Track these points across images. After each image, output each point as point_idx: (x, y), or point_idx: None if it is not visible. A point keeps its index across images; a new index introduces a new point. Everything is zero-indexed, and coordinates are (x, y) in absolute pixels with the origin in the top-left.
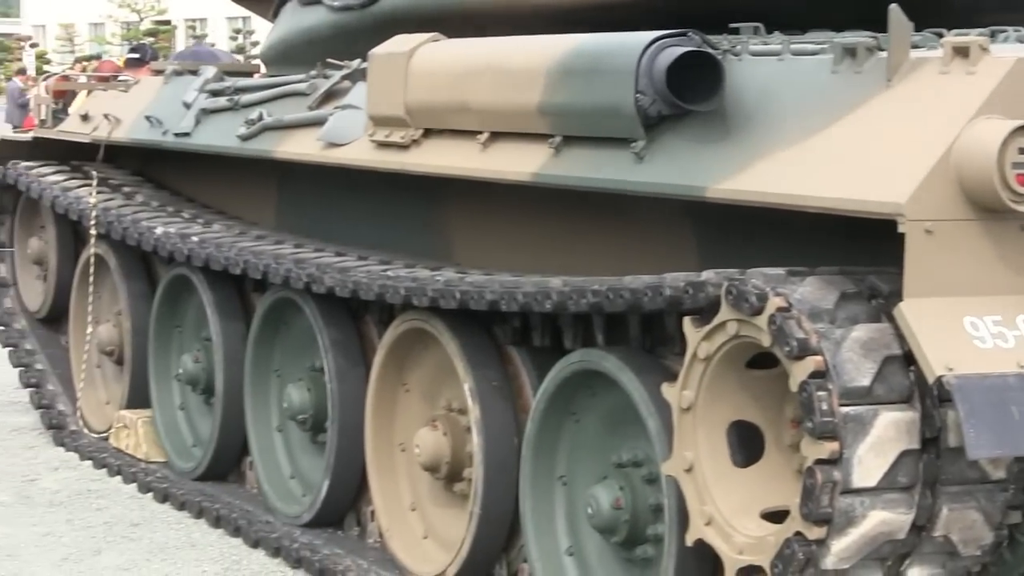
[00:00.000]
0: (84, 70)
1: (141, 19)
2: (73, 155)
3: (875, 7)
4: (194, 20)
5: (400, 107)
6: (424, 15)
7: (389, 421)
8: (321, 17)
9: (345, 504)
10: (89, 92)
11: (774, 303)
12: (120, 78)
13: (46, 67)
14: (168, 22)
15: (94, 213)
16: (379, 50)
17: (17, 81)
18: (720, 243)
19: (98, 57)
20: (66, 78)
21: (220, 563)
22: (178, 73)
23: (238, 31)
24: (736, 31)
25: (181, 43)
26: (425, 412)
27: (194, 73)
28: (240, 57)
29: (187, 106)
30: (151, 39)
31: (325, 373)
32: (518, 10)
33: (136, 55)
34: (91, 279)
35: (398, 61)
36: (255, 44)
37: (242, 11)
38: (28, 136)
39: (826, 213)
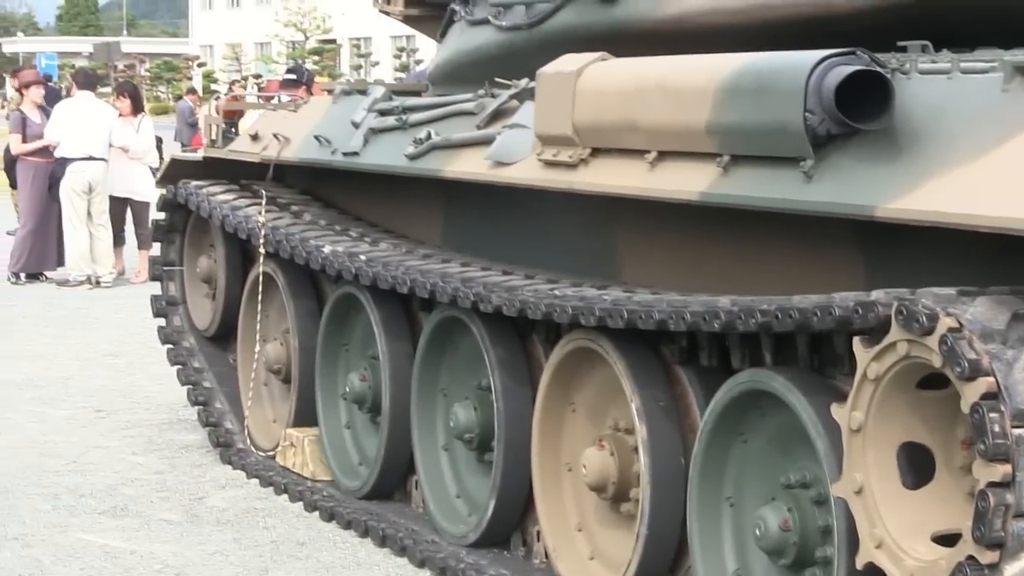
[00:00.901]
0: (243, 88)
1: (307, 38)
2: (242, 174)
3: None
4: (358, 39)
5: (568, 126)
6: (592, 34)
7: (555, 441)
8: (489, 37)
9: (511, 524)
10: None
11: (945, 323)
12: (277, 98)
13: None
14: (333, 41)
15: (263, 232)
16: (547, 69)
17: (187, 101)
18: (888, 262)
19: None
20: (236, 98)
21: None
22: (347, 93)
23: (402, 50)
24: (904, 49)
25: (346, 62)
26: (591, 432)
27: (363, 93)
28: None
29: (356, 125)
30: (315, 58)
31: (492, 392)
32: (686, 30)
33: (292, 76)
34: (259, 298)
35: (566, 80)
36: (419, 63)
37: (406, 30)
38: (198, 155)
39: (997, 233)
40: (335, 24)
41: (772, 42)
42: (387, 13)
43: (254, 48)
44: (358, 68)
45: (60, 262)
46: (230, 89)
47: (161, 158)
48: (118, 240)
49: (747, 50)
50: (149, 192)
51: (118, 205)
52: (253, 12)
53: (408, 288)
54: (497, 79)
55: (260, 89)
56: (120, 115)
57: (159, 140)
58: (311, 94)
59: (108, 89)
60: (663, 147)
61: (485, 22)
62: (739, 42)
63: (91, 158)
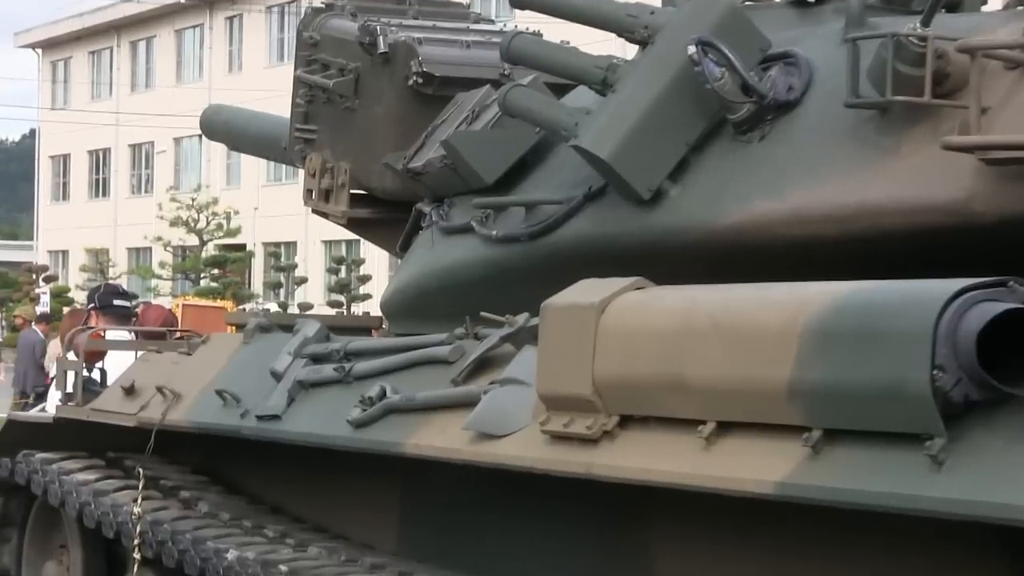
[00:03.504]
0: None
1: (203, 242)
2: (111, 444)
3: None
4: (278, 244)
5: (587, 383)
6: (621, 249)
7: None
8: (472, 251)
9: None
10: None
11: None
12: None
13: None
14: (242, 247)
15: (139, 528)
16: (557, 300)
17: (37, 331)
18: None
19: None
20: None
21: None
22: (264, 329)
23: (340, 262)
24: None
25: (259, 278)
26: None
27: (287, 329)
28: (342, 300)
29: (277, 377)
30: (215, 271)
31: None
32: (756, 245)
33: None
34: None
35: (585, 317)
36: (364, 279)
37: (344, 233)
38: (47, 415)
39: None
40: (245, 222)
41: (880, 266)
42: (323, 214)
43: (127, 256)
44: (277, 288)
45: None
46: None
47: None
48: None
49: (843, 276)
50: None
51: None
52: (127, 204)
53: None
54: (483, 313)
55: (135, 319)
56: None
57: None
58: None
59: None
60: (724, 416)
61: (466, 230)
62: (831, 264)
63: None
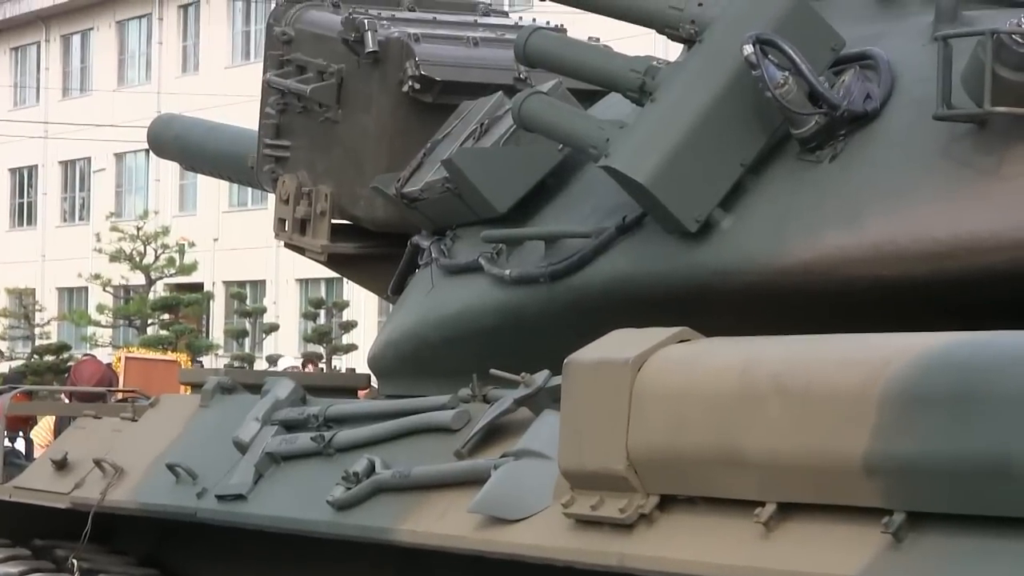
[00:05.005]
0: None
1: (152, 281)
2: (39, 529)
3: None
4: (242, 284)
5: (619, 457)
6: (661, 293)
7: None
8: (480, 294)
9: None
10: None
11: None
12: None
13: None
14: (200, 286)
15: None
16: (584, 355)
17: None
18: None
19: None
20: (29, 395)
21: None
22: (226, 389)
23: (318, 305)
24: None
25: (219, 325)
26: None
27: (254, 389)
28: (321, 353)
29: (241, 448)
30: (165, 316)
31: None
32: (830, 287)
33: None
34: None
35: (618, 375)
36: (348, 327)
37: (323, 271)
38: None
39: None
40: (202, 257)
41: (978, 312)
42: (298, 248)
43: (57, 297)
44: (241, 337)
45: None
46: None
47: None
48: None
49: (932, 326)
50: None
51: None
52: (57, 235)
53: None
54: (494, 370)
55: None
56: None
57: None
58: None
59: None
60: (787, 497)
61: (474, 269)
62: (919, 310)
63: None
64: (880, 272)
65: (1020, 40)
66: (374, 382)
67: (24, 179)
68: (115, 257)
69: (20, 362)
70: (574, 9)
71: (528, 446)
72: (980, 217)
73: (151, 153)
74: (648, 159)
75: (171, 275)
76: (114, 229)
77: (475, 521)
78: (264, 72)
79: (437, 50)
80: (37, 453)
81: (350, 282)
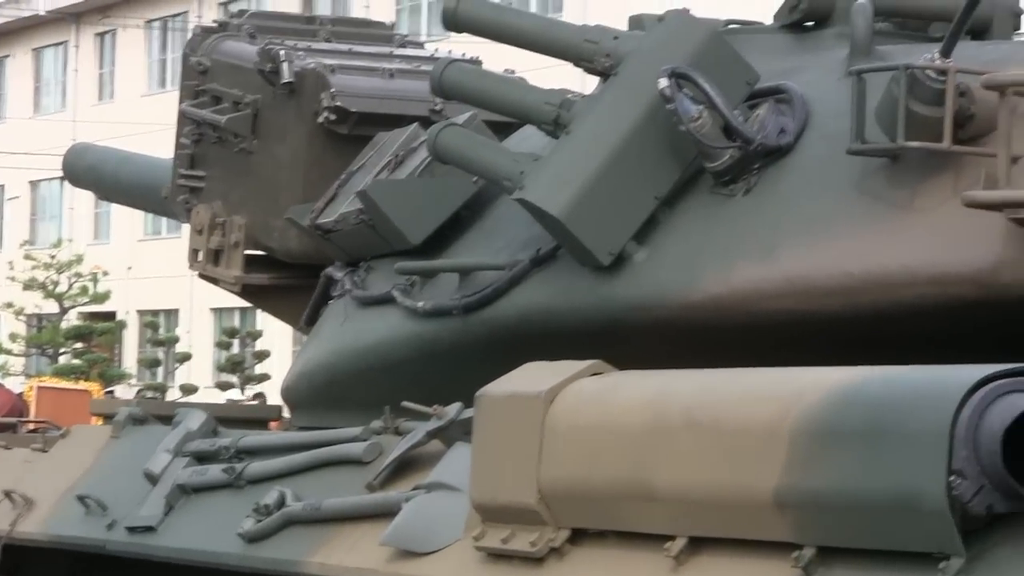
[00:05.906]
0: None
1: (65, 309)
2: None
3: None
4: (156, 312)
5: (531, 490)
6: (577, 327)
7: None
8: (393, 326)
9: None
10: None
11: None
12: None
13: None
14: (112, 315)
15: None
16: (497, 388)
17: None
18: None
19: None
20: None
21: None
22: (137, 420)
23: (232, 334)
24: None
25: (131, 354)
26: None
27: (166, 420)
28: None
29: (152, 479)
30: (78, 345)
31: None
32: (743, 321)
33: None
34: None
35: (530, 408)
36: (261, 356)
37: (237, 300)
38: None
39: None
40: (115, 286)
41: (887, 347)
42: (212, 279)
43: None
44: (154, 366)
45: None
46: None
47: None
48: None
49: (843, 360)
50: None
51: None
52: None
53: None
54: (405, 403)
55: None
56: None
57: None
58: None
59: None
60: (698, 531)
61: (387, 301)
62: (830, 345)
63: None
64: (793, 306)
65: (933, 75)
66: (287, 413)
67: None
68: (28, 285)
69: None
70: (489, 41)
71: (440, 479)
72: (893, 251)
73: (66, 181)
74: (562, 192)
75: (84, 304)
76: (28, 257)
77: (386, 554)
78: (180, 102)
79: (353, 81)
80: None
81: (267, 312)
